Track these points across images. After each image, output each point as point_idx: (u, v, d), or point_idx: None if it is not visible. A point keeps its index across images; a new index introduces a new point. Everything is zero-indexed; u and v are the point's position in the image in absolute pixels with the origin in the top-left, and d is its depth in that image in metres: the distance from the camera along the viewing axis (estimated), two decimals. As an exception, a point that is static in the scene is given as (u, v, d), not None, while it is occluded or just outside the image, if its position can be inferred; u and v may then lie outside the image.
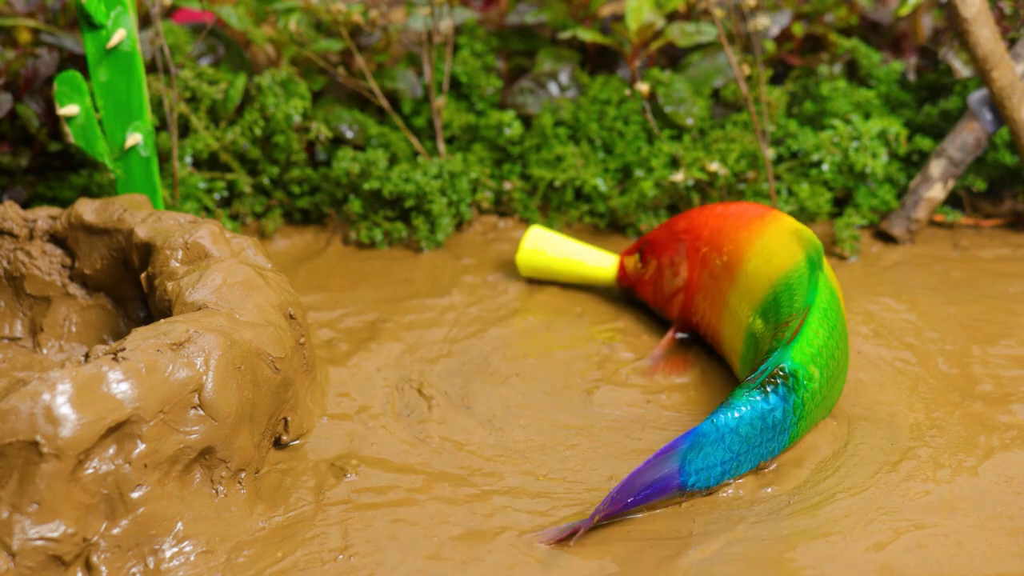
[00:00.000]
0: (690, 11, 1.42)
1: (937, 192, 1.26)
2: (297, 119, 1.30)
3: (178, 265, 0.93)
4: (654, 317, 1.11)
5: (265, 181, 1.33)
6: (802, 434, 0.88)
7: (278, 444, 0.88)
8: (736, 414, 0.83)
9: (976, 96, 1.25)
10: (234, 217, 1.33)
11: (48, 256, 1.05)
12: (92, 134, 1.12)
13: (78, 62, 1.31)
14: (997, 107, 1.22)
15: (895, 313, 1.10)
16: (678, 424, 0.92)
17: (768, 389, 0.84)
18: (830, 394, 0.89)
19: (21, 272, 1.05)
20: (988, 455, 0.86)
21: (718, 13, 1.21)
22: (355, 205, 1.29)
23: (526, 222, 1.34)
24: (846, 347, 0.91)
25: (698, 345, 1.05)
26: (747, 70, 1.24)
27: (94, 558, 0.73)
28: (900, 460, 0.86)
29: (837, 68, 1.40)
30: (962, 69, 1.29)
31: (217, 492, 0.79)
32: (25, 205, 1.27)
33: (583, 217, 1.34)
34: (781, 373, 0.85)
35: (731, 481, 0.83)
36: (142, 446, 0.75)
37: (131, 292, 1.04)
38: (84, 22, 1.08)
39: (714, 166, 1.25)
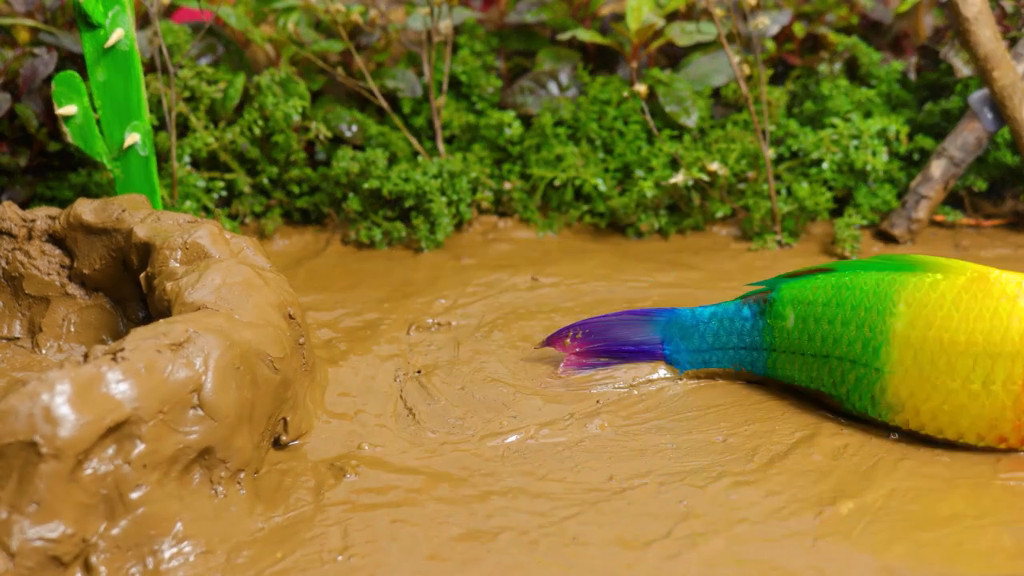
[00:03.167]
0: (690, 10, 1.42)
1: (938, 192, 1.26)
2: (296, 119, 1.29)
3: (177, 265, 0.93)
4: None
5: (264, 181, 1.33)
6: (783, 374, 0.93)
7: (277, 444, 0.88)
8: (710, 310, 0.95)
9: (977, 96, 1.24)
10: (233, 217, 1.33)
11: (47, 256, 1.05)
12: (90, 134, 1.12)
13: (77, 61, 1.31)
14: (998, 107, 1.22)
15: (896, 313, 1.10)
16: (679, 425, 0.92)
17: (745, 301, 0.94)
18: (808, 354, 0.90)
19: (20, 272, 1.04)
20: (990, 455, 0.85)
21: (718, 12, 1.20)
22: (354, 205, 1.29)
23: (526, 222, 1.34)
24: (857, 351, 0.88)
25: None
26: (747, 70, 1.24)
27: (93, 558, 0.73)
28: (900, 459, 0.85)
29: (837, 67, 1.40)
30: (963, 68, 1.29)
31: (216, 492, 0.79)
32: (24, 205, 1.27)
33: (583, 217, 1.34)
34: (763, 295, 0.93)
35: (727, 474, 0.83)
36: (141, 446, 0.74)
37: (130, 292, 1.04)
38: (82, 21, 1.08)
39: (714, 166, 1.25)
